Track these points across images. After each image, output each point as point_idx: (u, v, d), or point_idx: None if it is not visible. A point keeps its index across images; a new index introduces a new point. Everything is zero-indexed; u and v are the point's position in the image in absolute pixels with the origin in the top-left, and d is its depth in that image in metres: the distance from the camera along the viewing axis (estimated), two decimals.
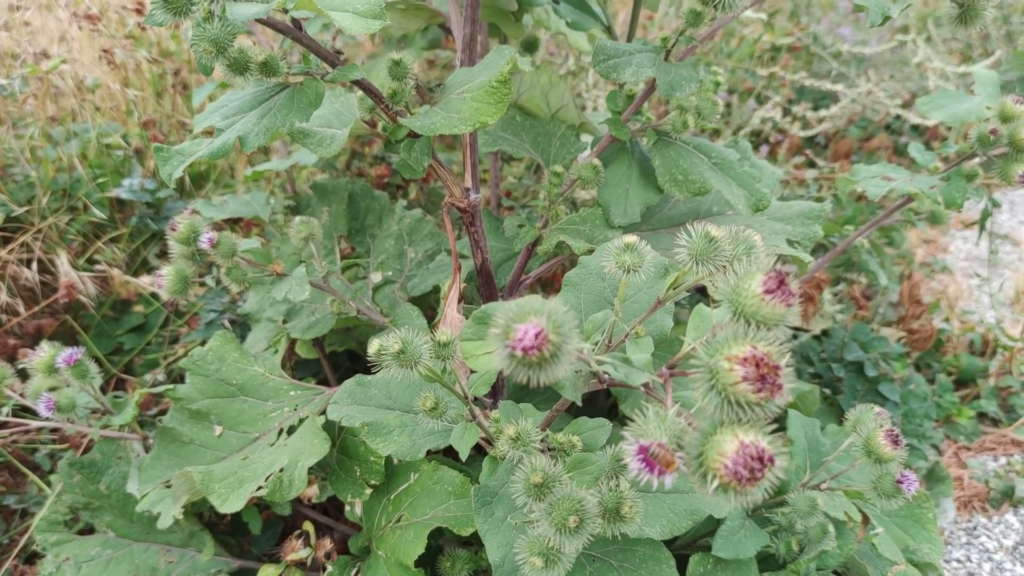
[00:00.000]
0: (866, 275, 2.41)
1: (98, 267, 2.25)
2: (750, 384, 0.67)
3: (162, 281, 1.45)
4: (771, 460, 0.67)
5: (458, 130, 1.13)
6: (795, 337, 2.20)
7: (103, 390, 2.00)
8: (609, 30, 1.55)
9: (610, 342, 0.95)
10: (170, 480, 1.51)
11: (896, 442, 1.26)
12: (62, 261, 2.10)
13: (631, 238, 0.93)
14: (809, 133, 2.78)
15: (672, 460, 0.68)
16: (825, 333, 2.39)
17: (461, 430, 1.10)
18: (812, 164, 2.80)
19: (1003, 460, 2.30)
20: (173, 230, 1.43)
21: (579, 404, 0.91)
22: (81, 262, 2.22)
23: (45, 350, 1.53)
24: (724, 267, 0.88)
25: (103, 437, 1.61)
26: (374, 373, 1.37)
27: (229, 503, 1.29)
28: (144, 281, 2.24)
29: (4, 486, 1.90)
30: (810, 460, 1.49)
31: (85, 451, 1.86)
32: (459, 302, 1.44)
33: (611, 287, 1.06)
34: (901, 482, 1.29)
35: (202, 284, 1.97)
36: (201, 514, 1.71)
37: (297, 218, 1.50)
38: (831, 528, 1.43)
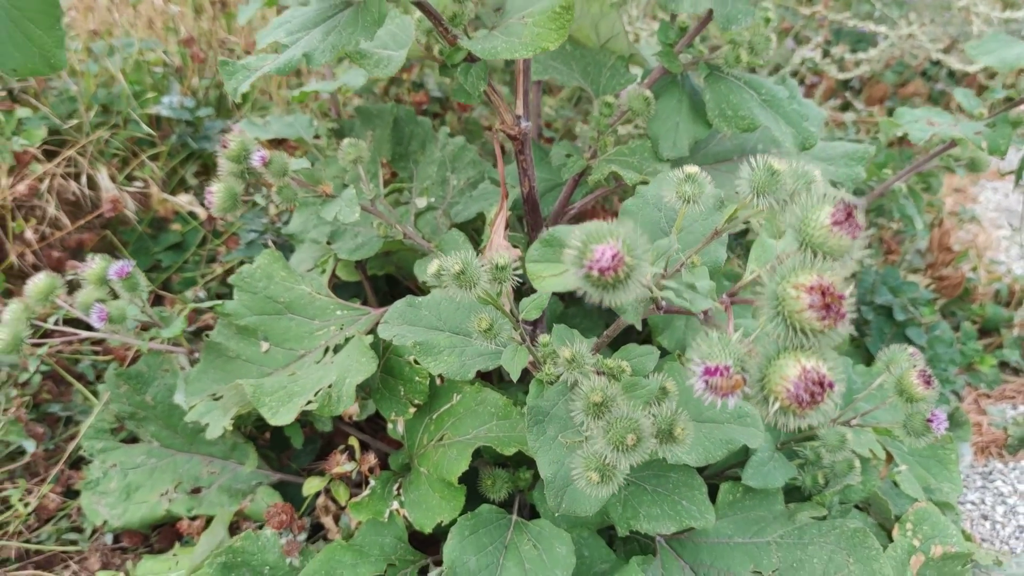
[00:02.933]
0: (900, 220, 2.41)
1: (137, 184, 2.28)
2: (815, 312, 0.69)
3: (212, 198, 1.47)
4: (831, 385, 0.70)
5: (519, 54, 1.14)
6: None
7: None
8: None
9: (665, 270, 0.98)
10: (217, 393, 1.55)
11: (928, 382, 1.29)
12: (103, 176, 2.13)
13: (692, 168, 0.95)
14: (846, 76, 2.76)
15: (738, 382, 0.71)
16: (854, 276, 2.40)
17: (512, 352, 1.13)
18: (849, 106, 2.78)
19: (1022, 408, 2.34)
20: (224, 147, 1.45)
21: (638, 328, 0.94)
22: (121, 178, 2.25)
23: (96, 262, 1.57)
24: (785, 201, 0.90)
25: (150, 350, 1.65)
26: (421, 295, 1.40)
27: (280, 416, 1.34)
28: (182, 200, 2.27)
29: (49, 394, 1.95)
30: (841, 397, 1.52)
31: (131, 363, 1.90)
32: (505, 228, 1.47)
33: (667, 217, 1.08)
34: (931, 421, 1.33)
35: (253, 204, 2.00)
36: (242, 427, 1.76)
37: (346, 140, 1.52)
38: (857, 463, 1.47)
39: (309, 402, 1.36)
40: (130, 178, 2.30)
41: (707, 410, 1.29)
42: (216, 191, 1.46)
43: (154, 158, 2.34)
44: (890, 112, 3.66)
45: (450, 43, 1.25)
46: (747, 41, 1.41)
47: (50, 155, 2.12)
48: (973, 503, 2.07)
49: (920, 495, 1.57)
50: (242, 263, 2.17)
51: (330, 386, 1.37)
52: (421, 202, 1.65)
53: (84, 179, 2.09)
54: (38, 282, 1.60)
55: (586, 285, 0.71)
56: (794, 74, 2.79)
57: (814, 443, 1.46)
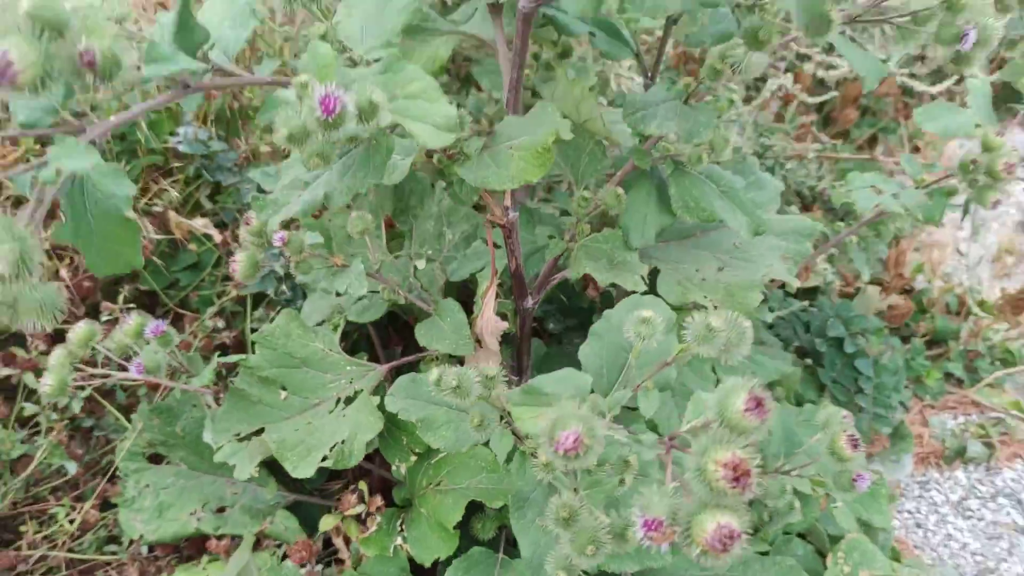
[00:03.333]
0: (859, 242, 2.62)
1: (156, 208, 2.47)
2: (728, 482, 0.91)
3: (235, 266, 1.67)
4: (739, 536, 0.92)
5: (505, 186, 1.34)
6: (786, 301, 2.43)
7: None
8: (639, 57, 1.72)
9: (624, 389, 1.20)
10: (240, 432, 1.77)
11: (855, 445, 1.52)
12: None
13: (647, 313, 1.16)
14: (818, 100, 2.93)
15: (669, 534, 0.93)
16: (816, 292, 2.62)
17: (499, 436, 1.35)
18: (813, 137, 2.97)
19: (961, 419, 2.58)
20: (247, 224, 1.65)
21: None
22: (142, 204, 2.43)
23: (134, 319, 1.77)
24: (721, 349, 1.12)
25: (182, 391, 1.87)
26: (420, 345, 1.61)
27: (300, 470, 1.57)
28: (198, 223, 2.46)
29: (82, 411, 2.17)
30: (784, 448, 1.75)
31: (162, 395, 2.12)
32: (495, 299, 1.68)
33: (627, 340, 1.29)
34: (856, 480, 1.56)
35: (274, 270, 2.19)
36: None
37: (354, 214, 1.71)
38: (797, 504, 1.71)
39: (325, 457, 1.58)
40: (150, 203, 2.48)
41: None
42: (240, 260, 1.66)
43: (172, 181, 2.52)
44: (863, 112, 3.84)
45: (448, 158, 1.44)
46: (709, 141, 1.59)
47: None
48: (909, 512, 2.33)
49: (853, 527, 1.81)
50: (257, 296, 2.39)
51: (343, 442, 1.59)
52: (421, 263, 1.85)
53: None
54: (79, 330, 1.79)
55: (555, 458, 0.93)
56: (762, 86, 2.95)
57: (760, 490, 1.69)
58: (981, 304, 2.75)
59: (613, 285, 1.57)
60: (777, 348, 2.17)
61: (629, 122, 1.46)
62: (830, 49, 2.89)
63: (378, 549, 1.63)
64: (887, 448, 2.46)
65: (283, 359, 1.75)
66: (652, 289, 1.63)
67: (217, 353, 2.04)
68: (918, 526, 2.28)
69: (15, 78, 0.76)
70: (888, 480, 2.44)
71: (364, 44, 1.27)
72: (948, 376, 2.71)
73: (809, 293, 2.64)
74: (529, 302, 1.71)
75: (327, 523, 1.70)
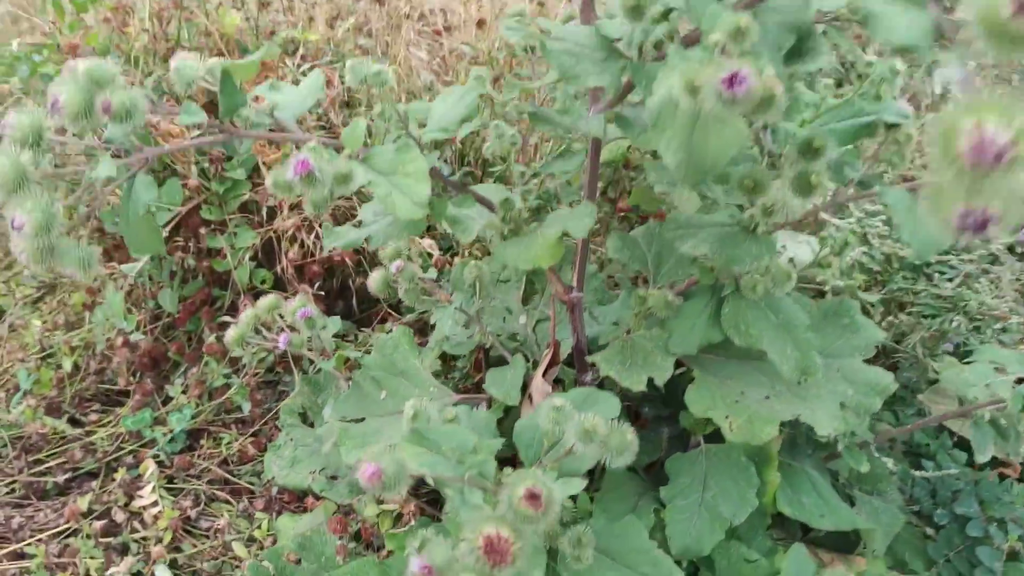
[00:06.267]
0: None
1: None
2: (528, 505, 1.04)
3: (371, 283, 2.00)
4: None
5: (523, 266, 1.51)
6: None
7: None
8: None
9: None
10: (348, 416, 2.10)
11: None
12: None
13: (559, 401, 1.29)
14: None
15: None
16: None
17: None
18: None
19: None
20: (384, 250, 1.98)
21: None
22: None
23: (296, 300, 2.17)
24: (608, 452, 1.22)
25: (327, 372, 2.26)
26: None
27: (350, 456, 1.85)
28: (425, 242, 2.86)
29: (282, 369, 2.66)
30: None
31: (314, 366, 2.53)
32: (550, 368, 1.84)
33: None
34: None
35: None
36: None
37: (472, 263, 1.96)
38: None
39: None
40: None
41: None
42: (373, 279, 1.99)
43: None
44: None
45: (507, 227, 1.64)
46: (772, 272, 1.62)
47: None
48: None
49: None
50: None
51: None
52: (522, 318, 2.05)
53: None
54: (266, 300, 2.24)
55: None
56: None
57: None
58: None
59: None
60: (894, 502, 2.04)
61: (668, 237, 1.56)
62: None
63: (397, 546, 1.88)
64: None
65: (388, 366, 2.06)
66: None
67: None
68: None
69: (61, 111, 1.13)
70: None
71: (432, 125, 1.52)
72: None
73: None
74: (588, 377, 1.85)
75: (370, 511, 1.97)
